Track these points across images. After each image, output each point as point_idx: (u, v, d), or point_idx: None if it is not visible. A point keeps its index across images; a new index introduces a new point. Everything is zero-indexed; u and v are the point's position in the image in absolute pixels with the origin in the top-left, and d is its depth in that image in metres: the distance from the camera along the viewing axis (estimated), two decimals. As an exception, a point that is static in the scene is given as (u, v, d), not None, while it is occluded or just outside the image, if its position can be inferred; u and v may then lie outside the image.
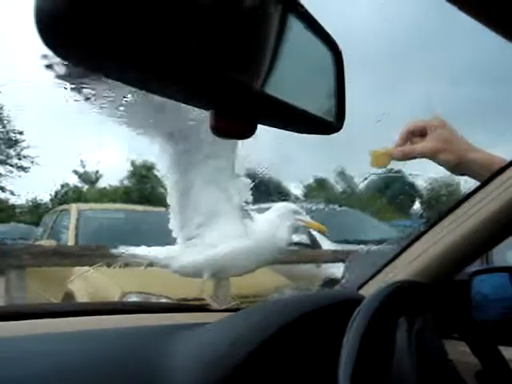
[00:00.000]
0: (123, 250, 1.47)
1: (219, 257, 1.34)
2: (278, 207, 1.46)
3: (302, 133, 0.37)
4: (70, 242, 3.56)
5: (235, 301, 1.90)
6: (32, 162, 16.52)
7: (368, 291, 0.90)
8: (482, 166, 0.88)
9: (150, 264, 1.47)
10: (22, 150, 16.78)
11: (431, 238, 0.91)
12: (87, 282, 2.74)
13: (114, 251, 1.49)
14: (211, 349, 0.73)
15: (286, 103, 0.31)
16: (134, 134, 1.30)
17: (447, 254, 0.88)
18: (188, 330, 0.79)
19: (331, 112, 0.37)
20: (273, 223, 1.42)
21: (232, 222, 1.36)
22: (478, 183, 0.88)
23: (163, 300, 2.47)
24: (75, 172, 19.64)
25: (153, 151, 1.39)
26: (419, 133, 0.93)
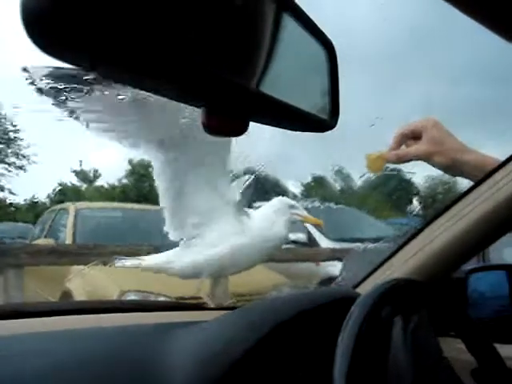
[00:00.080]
0: (124, 260, 1.46)
1: (219, 256, 1.34)
2: (274, 202, 1.44)
3: (296, 130, 0.37)
4: (68, 241, 3.56)
5: (232, 299, 1.90)
6: (28, 160, 16.49)
7: (365, 289, 0.90)
8: (475, 167, 0.88)
9: (149, 269, 1.46)
10: (20, 149, 16.76)
11: (428, 236, 0.91)
12: (85, 281, 2.74)
13: (117, 264, 1.47)
14: (208, 346, 0.73)
15: (280, 101, 0.31)
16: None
17: (444, 252, 0.88)
18: (185, 328, 0.79)
19: (325, 109, 0.37)
20: (269, 218, 1.40)
21: (229, 220, 1.35)
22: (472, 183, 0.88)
23: (162, 298, 2.47)
24: (73, 171, 19.66)
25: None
26: (413, 135, 0.93)
